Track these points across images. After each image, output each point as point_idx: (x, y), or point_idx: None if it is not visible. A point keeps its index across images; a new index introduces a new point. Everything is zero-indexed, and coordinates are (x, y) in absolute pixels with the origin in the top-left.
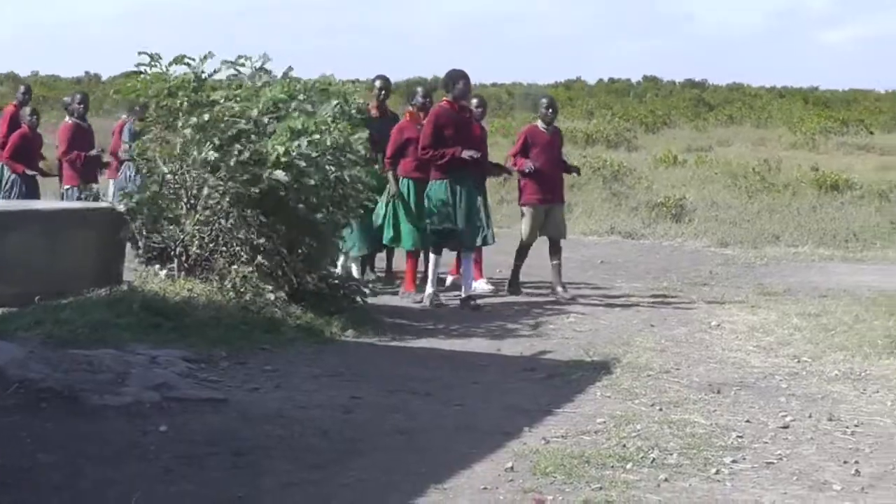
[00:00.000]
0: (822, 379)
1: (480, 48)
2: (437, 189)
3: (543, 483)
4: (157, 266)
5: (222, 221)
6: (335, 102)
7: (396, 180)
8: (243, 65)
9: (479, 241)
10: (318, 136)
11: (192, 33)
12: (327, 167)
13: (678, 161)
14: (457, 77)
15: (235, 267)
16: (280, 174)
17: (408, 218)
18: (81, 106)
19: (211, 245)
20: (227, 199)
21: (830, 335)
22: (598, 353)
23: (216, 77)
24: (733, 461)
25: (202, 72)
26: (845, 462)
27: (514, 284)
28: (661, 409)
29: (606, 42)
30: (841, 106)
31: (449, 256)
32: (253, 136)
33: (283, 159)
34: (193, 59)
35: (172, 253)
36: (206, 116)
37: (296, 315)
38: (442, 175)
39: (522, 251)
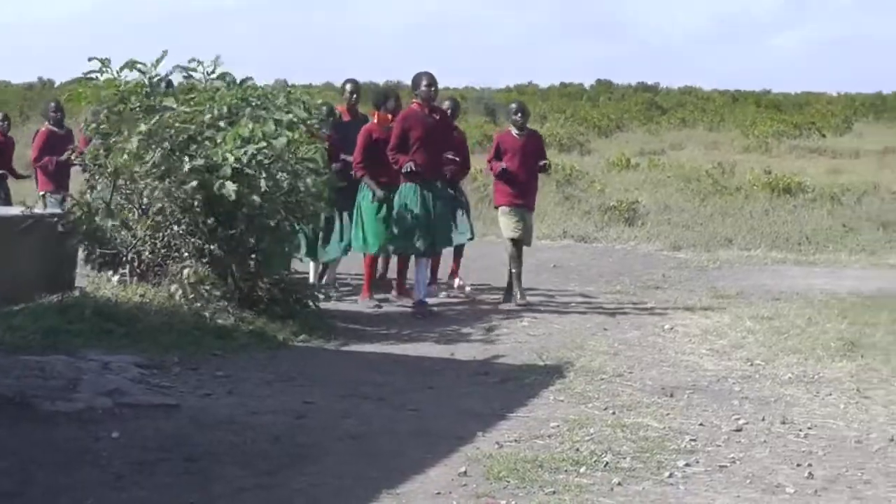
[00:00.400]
0: (775, 382)
1: (433, 52)
2: (406, 193)
3: (497, 487)
4: (110, 272)
5: (174, 227)
6: (298, 117)
7: (374, 182)
8: (195, 69)
9: (441, 247)
10: (264, 144)
11: (148, 36)
12: (279, 175)
13: (631, 165)
14: (419, 78)
15: (188, 272)
16: (230, 186)
17: (374, 222)
18: (58, 113)
19: (163, 251)
20: (178, 204)
21: (783, 338)
22: (551, 357)
23: (173, 79)
24: (686, 465)
25: (156, 76)
26: (798, 465)
27: (517, 290)
28: (614, 413)
29: (559, 46)
30: (793, 109)
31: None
32: (206, 143)
33: (234, 167)
34: (145, 64)
35: (124, 258)
36: (157, 121)
37: (248, 320)
38: (410, 179)
39: (514, 253)
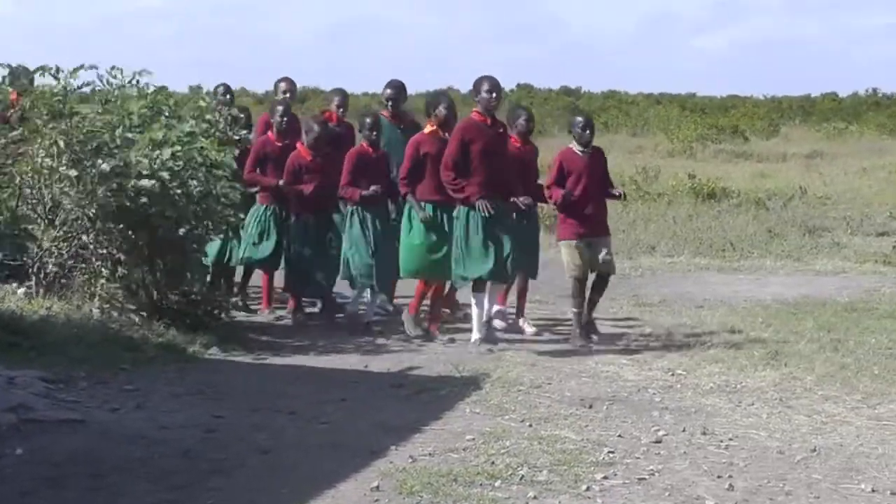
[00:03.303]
0: (696, 392)
1: (350, 56)
2: (465, 216)
3: (410, 503)
4: (15, 284)
5: (84, 237)
6: (207, 117)
7: (418, 202)
8: (115, 77)
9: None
10: (178, 148)
11: (50, 45)
12: (191, 181)
13: None
14: (480, 84)
15: (101, 282)
16: (146, 182)
17: (424, 247)
18: None
19: (70, 262)
20: (91, 212)
21: (705, 347)
22: (467, 369)
23: (85, 89)
24: (604, 477)
25: (70, 83)
26: (719, 477)
27: (584, 330)
28: (531, 425)
29: (479, 49)
30: (719, 112)
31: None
32: (115, 150)
33: (145, 172)
34: (61, 71)
35: (30, 270)
36: (66, 128)
37: (158, 332)
38: (468, 201)
39: (576, 291)
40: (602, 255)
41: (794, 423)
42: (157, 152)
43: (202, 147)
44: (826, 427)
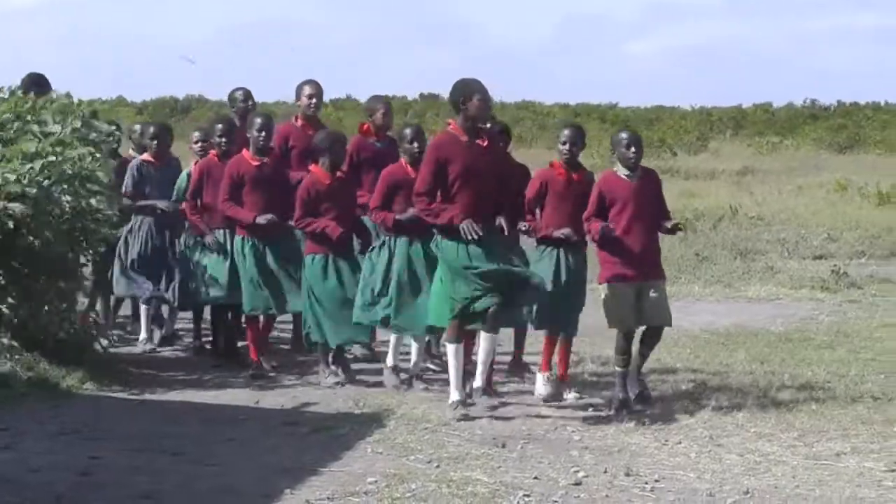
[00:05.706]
0: (619, 430)
1: (241, 62)
2: (449, 249)
3: None
4: None
5: None
6: (79, 123)
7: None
8: None
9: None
10: (52, 159)
11: None
12: (63, 197)
13: None
14: (469, 90)
15: None
16: (16, 206)
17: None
18: None
19: None
20: None
21: None
22: (369, 405)
23: None
24: None
25: None
26: None
27: (624, 398)
28: (439, 467)
29: (379, 56)
30: (642, 124)
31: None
32: None
33: (14, 189)
34: None
35: None
36: None
37: (28, 365)
38: (449, 233)
39: (620, 347)
40: (651, 299)
41: (724, 462)
42: (29, 166)
43: (77, 157)
44: (759, 467)
